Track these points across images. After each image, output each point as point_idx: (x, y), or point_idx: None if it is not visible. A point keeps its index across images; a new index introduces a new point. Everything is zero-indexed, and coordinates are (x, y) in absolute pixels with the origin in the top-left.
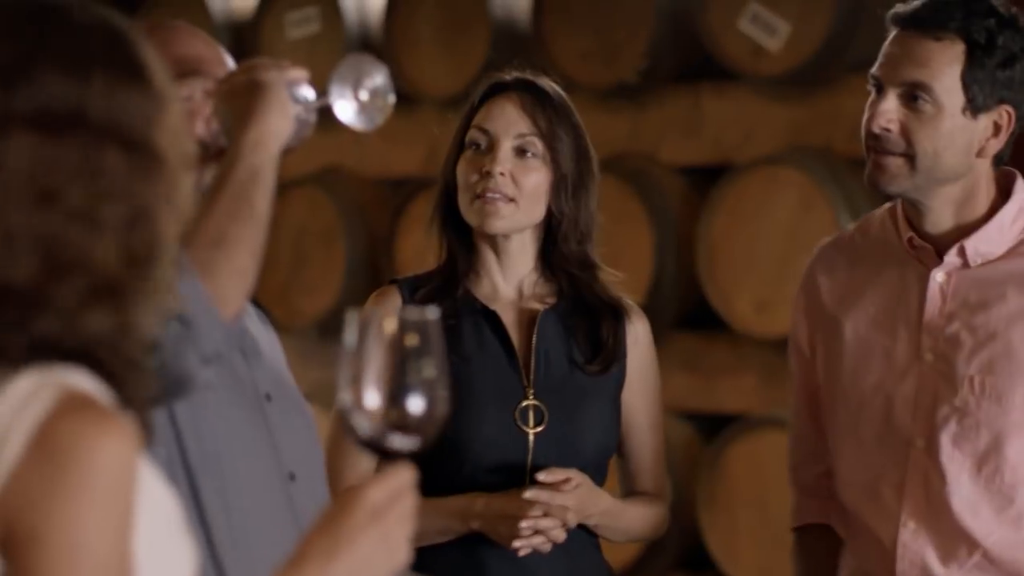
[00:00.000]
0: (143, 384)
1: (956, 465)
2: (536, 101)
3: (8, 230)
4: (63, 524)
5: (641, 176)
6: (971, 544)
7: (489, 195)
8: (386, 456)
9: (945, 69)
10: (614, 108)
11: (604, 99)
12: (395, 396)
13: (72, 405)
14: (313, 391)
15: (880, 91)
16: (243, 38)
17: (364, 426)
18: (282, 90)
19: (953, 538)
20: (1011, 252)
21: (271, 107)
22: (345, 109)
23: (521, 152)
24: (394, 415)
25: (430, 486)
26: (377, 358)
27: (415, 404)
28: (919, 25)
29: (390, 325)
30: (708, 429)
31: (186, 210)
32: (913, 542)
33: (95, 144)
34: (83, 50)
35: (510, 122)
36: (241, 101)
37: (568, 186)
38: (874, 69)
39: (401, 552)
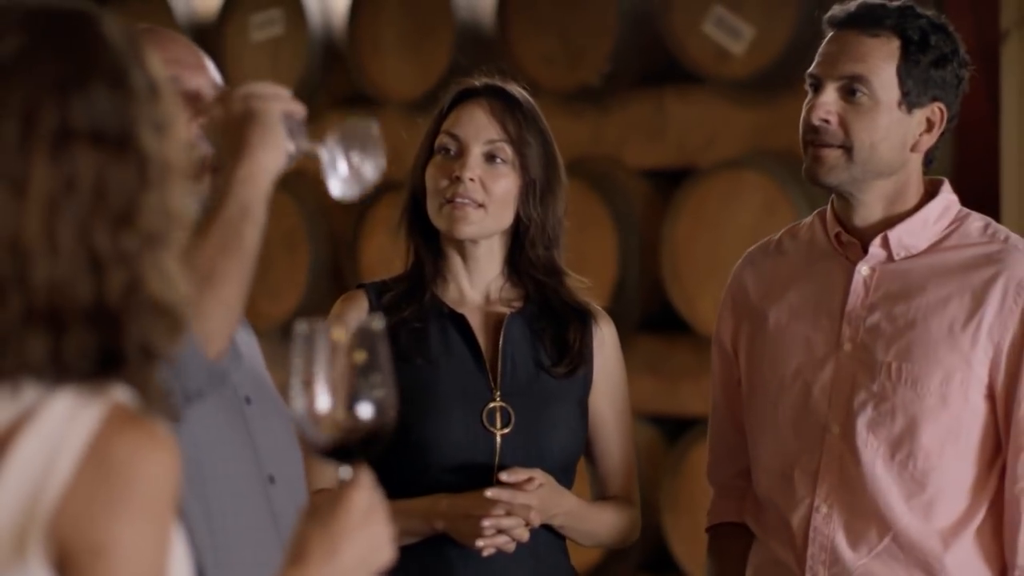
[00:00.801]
0: (163, 393)
1: (871, 451)
2: (505, 107)
3: (95, 251)
4: (126, 538)
5: (604, 179)
6: (882, 529)
7: (459, 200)
8: (342, 460)
9: (882, 63)
10: (578, 111)
11: (568, 102)
12: (347, 403)
13: (121, 419)
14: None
15: (818, 88)
16: (206, 40)
17: (317, 433)
18: (278, 124)
19: (864, 523)
20: (933, 248)
21: (266, 142)
22: (333, 170)
23: (491, 158)
24: (346, 422)
25: (397, 488)
26: (327, 367)
27: (365, 410)
28: (855, 23)
29: (339, 334)
30: (671, 432)
31: (187, 219)
32: (824, 526)
33: (144, 161)
34: (123, 66)
35: (480, 128)
36: (235, 129)
37: (536, 192)
38: (811, 68)
39: (388, 549)
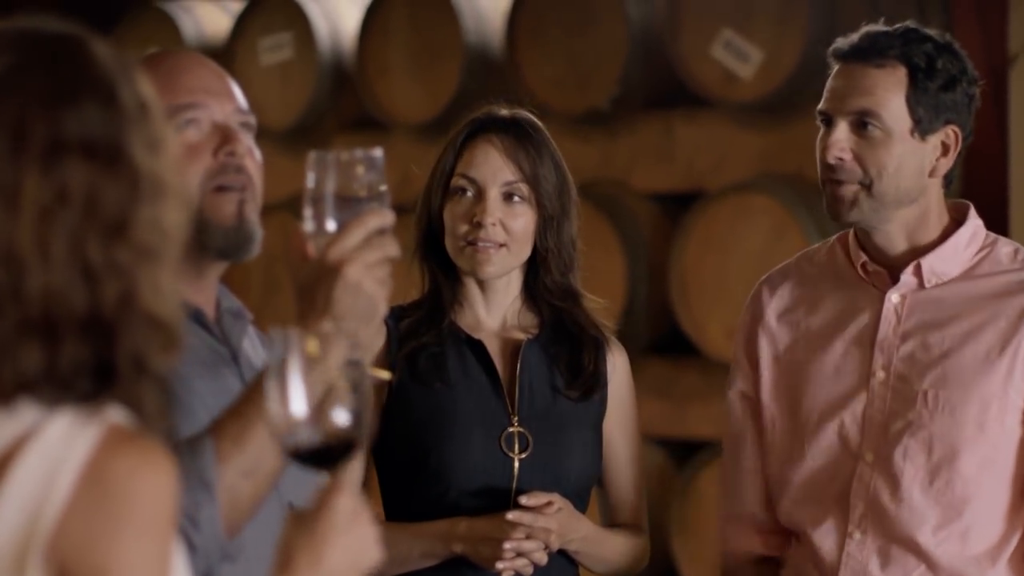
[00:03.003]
0: (159, 410)
1: (907, 478)
2: (518, 144)
3: (87, 262)
4: (127, 559)
5: (613, 203)
6: (916, 556)
7: (481, 244)
8: (319, 467)
9: (890, 94)
10: (586, 135)
11: (576, 126)
12: (323, 410)
13: (118, 439)
14: None
15: (829, 124)
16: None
17: (292, 439)
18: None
19: (899, 549)
20: (965, 274)
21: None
22: None
23: (508, 197)
24: (322, 428)
25: (415, 511)
26: (302, 373)
27: (341, 417)
28: (860, 56)
29: (313, 347)
30: (680, 455)
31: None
32: (858, 552)
33: (136, 174)
34: (111, 85)
35: (496, 170)
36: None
37: (554, 223)
38: (821, 105)
39: (375, 551)
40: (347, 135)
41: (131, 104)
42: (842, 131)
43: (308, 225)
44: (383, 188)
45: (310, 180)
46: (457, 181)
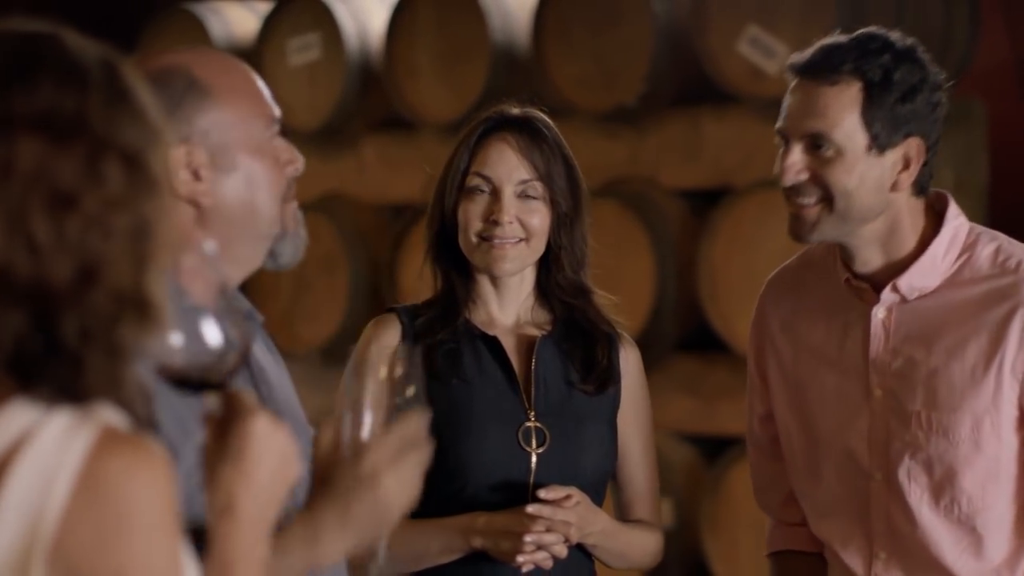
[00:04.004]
0: (147, 405)
1: (915, 498)
2: (532, 142)
3: (31, 235)
4: (142, 558)
5: (641, 200)
6: (940, 573)
7: (497, 240)
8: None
9: (844, 113)
10: (614, 132)
11: (604, 123)
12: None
13: (111, 441)
14: (316, 417)
15: (787, 143)
16: None
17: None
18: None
19: (922, 568)
20: (947, 283)
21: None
22: None
23: (523, 195)
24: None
25: (434, 506)
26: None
27: (213, 336)
28: (814, 73)
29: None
30: (710, 452)
31: (176, 243)
32: (885, 572)
33: (98, 153)
34: (79, 68)
35: (511, 169)
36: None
37: (567, 220)
38: (778, 123)
39: (296, 462)
40: (375, 135)
41: (105, 88)
42: (796, 153)
43: (345, 429)
44: (414, 391)
45: (349, 386)
46: (472, 180)
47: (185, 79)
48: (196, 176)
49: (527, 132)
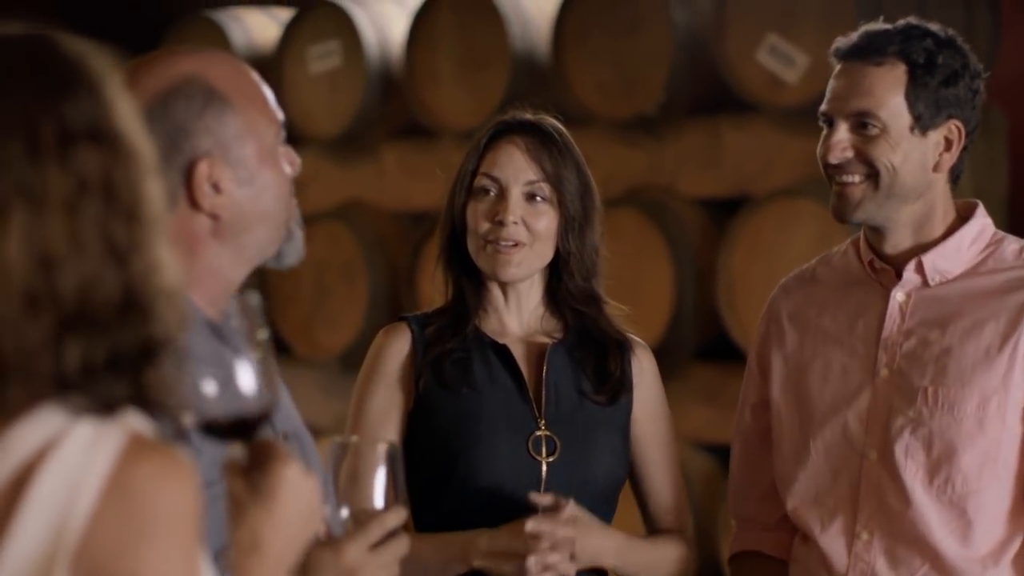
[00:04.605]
0: (175, 416)
1: (909, 476)
2: (541, 145)
3: (113, 243)
4: (156, 567)
5: (660, 208)
6: (922, 554)
7: (502, 244)
8: (237, 437)
9: (888, 93)
10: (633, 140)
11: (623, 131)
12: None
13: (139, 448)
14: (335, 424)
15: (831, 125)
16: (265, 71)
17: (211, 411)
18: None
19: (905, 549)
20: (968, 272)
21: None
22: None
23: (531, 197)
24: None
25: (443, 514)
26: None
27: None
28: (859, 55)
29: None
30: (727, 461)
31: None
32: (865, 553)
33: (136, 159)
34: (90, 71)
35: (519, 169)
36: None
37: (575, 226)
38: (822, 106)
39: (319, 510)
40: (395, 142)
41: (111, 88)
42: (842, 132)
43: (326, 509)
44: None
45: (327, 467)
46: (480, 181)
47: (203, 90)
48: (217, 189)
49: (537, 135)
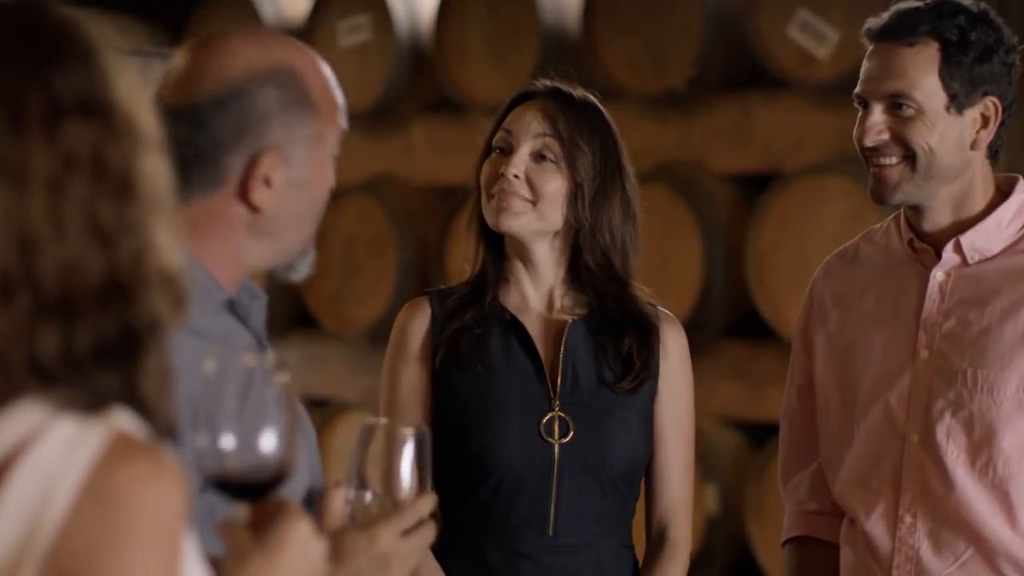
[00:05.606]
0: (167, 411)
1: (951, 459)
2: (559, 106)
3: (99, 224)
4: (129, 573)
5: (690, 185)
6: (968, 537)
7: (504, 194)
8: (249, 498)
9: (922, 73)
10: (663, 116)
11: (653, 107)
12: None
13: (122, 448)
14: (364, 399)
15: (866, 107)
16: None
17: (224, 469)
18: None
19: (949, 532)
20: (1007, 250)
21: None
22: None
23: (539, 157)
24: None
25: (457, 495)
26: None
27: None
28: (891, 36)
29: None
30: (757, 438)
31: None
32: (909, 536)
33: (133, 131)
34: (84, 41)
35: (530, 123)
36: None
37: (585, 194)
38: (857, 88)
39: (324, 568)
40: (425, 117)
41: (106, 59)
42: (877, 114)
43: (350, 493)
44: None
45: (355, 448)
46: (497, 137)
47: (297, 86)
48: (267, 183)
49: (557, 98)
